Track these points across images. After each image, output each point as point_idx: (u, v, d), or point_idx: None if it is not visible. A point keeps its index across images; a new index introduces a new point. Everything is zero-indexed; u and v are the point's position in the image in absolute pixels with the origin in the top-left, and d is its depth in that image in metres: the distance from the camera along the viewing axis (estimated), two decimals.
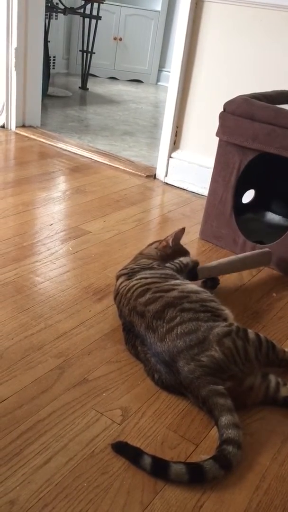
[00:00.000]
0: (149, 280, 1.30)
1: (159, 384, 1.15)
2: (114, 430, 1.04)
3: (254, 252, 1.70)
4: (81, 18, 4.51)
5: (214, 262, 1.59)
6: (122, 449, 0.99)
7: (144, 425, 1.06)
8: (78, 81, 4.79)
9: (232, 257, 1.65)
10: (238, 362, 1.11)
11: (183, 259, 1.49)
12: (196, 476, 0.94)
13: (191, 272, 1.49)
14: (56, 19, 4.96)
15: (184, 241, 1.89)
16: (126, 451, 0.98)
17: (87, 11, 4.41)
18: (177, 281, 1.32)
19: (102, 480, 0.93)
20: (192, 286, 1.31)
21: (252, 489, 0.96)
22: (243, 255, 1.67)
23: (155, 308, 1.20)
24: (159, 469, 0.95)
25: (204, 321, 1.17)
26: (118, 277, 1.40)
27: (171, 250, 1.49)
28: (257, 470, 1.00)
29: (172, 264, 1.45)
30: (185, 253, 1.52)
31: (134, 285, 1.29)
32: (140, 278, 1.32)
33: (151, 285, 1.28)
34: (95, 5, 4.41)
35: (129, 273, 1.38)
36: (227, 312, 1.26)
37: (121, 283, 1.35)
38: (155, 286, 1.27)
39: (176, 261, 1.47)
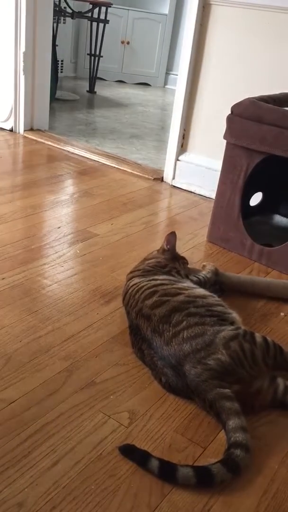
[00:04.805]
0: (158, 282, 1.31)
1: (166, 387, 1.15)
2: (121, 433, 1.04)
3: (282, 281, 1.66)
4: (89, 22, 4.53)
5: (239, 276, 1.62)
6: (130, 452, 0.99)
7: (151, 428, 1.06)
8: (86, 85, 4.81)
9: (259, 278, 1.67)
10: (245, 365, 1.10)
11: (207, 273, 1.50)
12: (203, 480, 0.94)
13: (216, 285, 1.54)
14: (64, 23, 4.99)
15: (191, 244, 1.90)
16: (133, 454, 0.98)
17: (95, 15, 4.43)
18: (185, 285, 1.32)
19: (110, 483, 0.93)
20: (200, 290, 1.32)
21: (260, 492, 0.95)
22: (271, 280, 1.66)
23: (162, 312, 1.20)
24: (167, 472, 0.95)
25: (210, 325, 1.16)
26: (129, 278, 1.40)
27: (170, 254, 1.50)
28: (265, 474, 0.99)
29: (195, 276, 1.46)
30: (182, 258, 1.53)
31: (143, 286, 1.30)
32: (151, 280, 1.33)
33: (158, 287, 1.28)
34: (103, 9, 4.43)
35: (143, 274, 1.38)
36: (235, 315, 1.26)
37: (133, 282, 1.35)
38: (162, 289, 1.27)
39: (201, 274, 1.48)
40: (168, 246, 1.51)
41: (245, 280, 1.63)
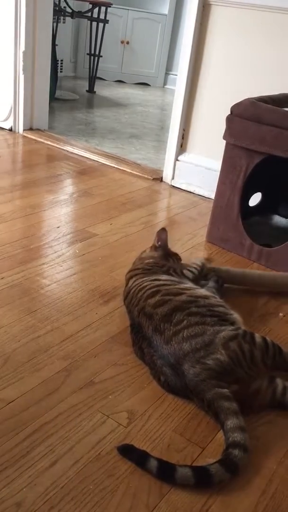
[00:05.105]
0: (161, 282, 1.31)
1: (165, 387, 1.15)
2: (120, 432, 1.04)
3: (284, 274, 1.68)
4: (89, 21, 4.53)
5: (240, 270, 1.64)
6: (128, 452, 0.99)
7: (150, 428, 1.06)
8: (85, 84, 4.81)
9: (263, 272, 1.68)
10: (244, 365, 1.10)
11: (198, 262, 1.52)
12: (202, 480, 0.94)
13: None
14: (63, 22, 4.99)
15: (191, 244, 1.90)
16: (132, 454, 0.98)
17: (95, 15, 4.43)
18: (187, 285, 1.33)
19: (108, 483, 0.93)
20: (201, 291, 1.32)
21: (258, 493, 0.95)
22: (274, 273, 1.68)
23: (163, 311, 1.20)
24: (165, 472, 0.95)
25: (211, 325, 1.16)
26: (129, 278, 1.40)
27: (162, 250, 1.51)
28: (263, 474, 0.99)
29: (189, 270, 1.47)
30: (174, 254, 1.54)
31: (146, 285, 1.30)
32: (154, 280, 1.33)
33: (161, 287, 1.28)
34: (103, 8, 4.43)
35: (144, 273, 1.38)
36: (236, 316, 1.26)
37: (134, 281, 1.35)
38: (165, 289, 1.27)
39: (193, 265, 1.49)
40: (159, 243, 1.51)
41: (238, 273, 1.64)
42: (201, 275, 1.51)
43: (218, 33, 2.19)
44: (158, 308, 1.21)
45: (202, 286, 1.44)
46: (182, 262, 1.56)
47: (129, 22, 5.29)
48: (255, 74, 2.14)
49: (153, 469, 0.95)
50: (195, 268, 1.50)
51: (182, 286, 1.31)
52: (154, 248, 1.52)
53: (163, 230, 1.53)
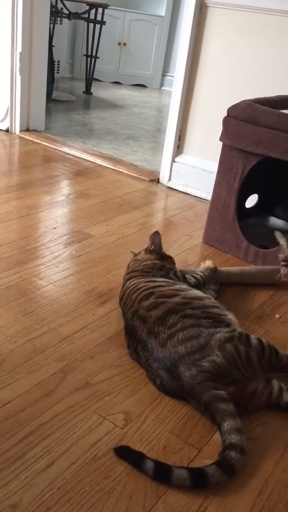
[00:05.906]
0: (156, 284, 1.31)
1: (161, 389, 1.15)
2: (116, 434, 1.04)
3: (266, 267, 1.72)
4: (86, 23, 4.53)
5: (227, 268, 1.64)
6: (125, 453, 0.99)
7: (146, 429, 1.06)
8: (82, 86, 4.81)
9: (244, 267, 1.69)
10: (240, 367, 1.10)
11: (205, 271, 1.52)
12: (198, 481, 0.94)
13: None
14: (60, 24, 4.99)
15: (187, 245, 1.90)
16: (128, 456, 0.98)
17: (92, 16, 4.43)
18: (182, 287, 1.33)
19: (105, 484, 0.93)
20: (196, 292, 1.32)
21: (254, 494, 0.95)
22: (255, 267, 1.70)
23: (157, 314, 1.20)
24: (162, 474, 0.94)
25: (206, 327, 1.16)
26: (127, 279, 1.40)
27: (157, 254, 1.51)
28: (260, 475, 0.99)
29: (193, 277, 1.47)
30: (169, 257, 1.54)
31: (141, 287, 1.30)
32: (149, 281, 1.32)
33: (155, 289, 1.28)
34: (100, 10, 4.43)
35: (142, 275, 1.38)
36: (231, 317, 1.26)
37: (131, 282, 1.35)
38: (159, 290, 1.27)
39: (199, 273, 1.49)
40: (153, 247, 1.51)
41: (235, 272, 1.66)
42: (204, 285, 1.49)
43: (215, 34, 2.20)
44: (152, 311, 1.21)
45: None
46: (180, 265, 1.56)
47: (126, 24, 5.29)
48: (251, 75, 2.15)
49: (150, 470, 0.94)
50: (200, 276, 1.49)
51: (176, 287, 1.31)
52: (148, 251, 1.52)
53: (156, 233, 1.52)
